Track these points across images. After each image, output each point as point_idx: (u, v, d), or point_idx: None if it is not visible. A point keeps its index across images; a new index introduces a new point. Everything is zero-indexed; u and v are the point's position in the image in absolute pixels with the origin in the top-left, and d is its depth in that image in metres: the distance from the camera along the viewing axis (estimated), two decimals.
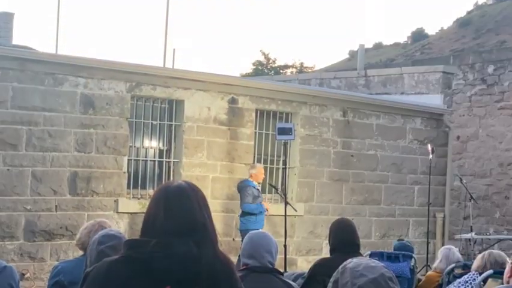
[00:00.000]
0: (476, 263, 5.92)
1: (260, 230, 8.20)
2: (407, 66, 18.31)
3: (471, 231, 13.55)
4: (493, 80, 18.34)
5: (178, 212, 2.59)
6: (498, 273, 5.44)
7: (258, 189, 11.26)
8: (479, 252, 7.63)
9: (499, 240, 15.16)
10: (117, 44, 77.98)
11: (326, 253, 11.87)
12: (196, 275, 2.52)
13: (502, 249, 13.07)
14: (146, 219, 2.64)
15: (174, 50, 22.79)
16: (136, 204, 10.98)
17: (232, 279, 2.65)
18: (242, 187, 11.24)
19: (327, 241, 5.81)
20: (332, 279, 2.96)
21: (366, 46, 25.39)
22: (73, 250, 10.08)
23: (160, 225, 2.57)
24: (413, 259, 7.71)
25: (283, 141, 11.49)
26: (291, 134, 11.26)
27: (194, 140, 11.77)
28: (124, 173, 11.11)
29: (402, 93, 16.11)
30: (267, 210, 11.31)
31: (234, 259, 10.61)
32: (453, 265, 6.95)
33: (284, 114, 12.96)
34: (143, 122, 11.52)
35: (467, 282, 5.81)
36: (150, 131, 11.65)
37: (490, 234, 14.79)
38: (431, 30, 57.99)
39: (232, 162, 12.14)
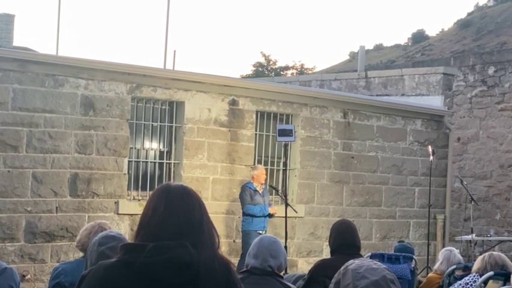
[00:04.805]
0: (476, 265, 5.92)
1: (271, 235, 8.24)
2: (408, 68, 18.28)
3: (471, 232, 13.54)
4: (494, 82, 18.32)
5: (179, 210, 2.58)
6: (499, 275, 5.44)
7: (258, 191, 11.28)
8: (480, 254, 7.63)
9: (500, 242, 15.17)
10: (118, 46, 78.06)
11: (326, 254, 11.85)
12: (193, 278, 2.51)
13: (503, 250, 13.10)
14: (145, 217, 2.62)
15: (175, 51, 22.84)
16: (136, 206, 10.96)
17: (230, 281, 2.64)
18: (241, 191, 11.45)
19: (328, 242, 5.80)
20: (333, 280, 2.95)
21: (366, 47, 25.39)
22: (73, 251, 10.09)
23: (160, 224, 2.56)
24: (413, 261, 7.71)
25: (283, 142, 11.48)
26: (292, 136, 11.26)
27: (194, 141, 11.76)
28: (125, 174, 11.10)
29: (402, 95, 16.10)
30: (272, 214, 11.34)
31: (234, 261, 10.62)
32: (454, 267, 6.95)
33: (285, 115, 12.95)
34: (144, 124, 11.52)
35: (467, 283, 5.81)
36: (150, 132, 11.64)
37: (490, 236, 14.79)
38: (432, 31, 57.86)
39: (233, 164, 12.13)
